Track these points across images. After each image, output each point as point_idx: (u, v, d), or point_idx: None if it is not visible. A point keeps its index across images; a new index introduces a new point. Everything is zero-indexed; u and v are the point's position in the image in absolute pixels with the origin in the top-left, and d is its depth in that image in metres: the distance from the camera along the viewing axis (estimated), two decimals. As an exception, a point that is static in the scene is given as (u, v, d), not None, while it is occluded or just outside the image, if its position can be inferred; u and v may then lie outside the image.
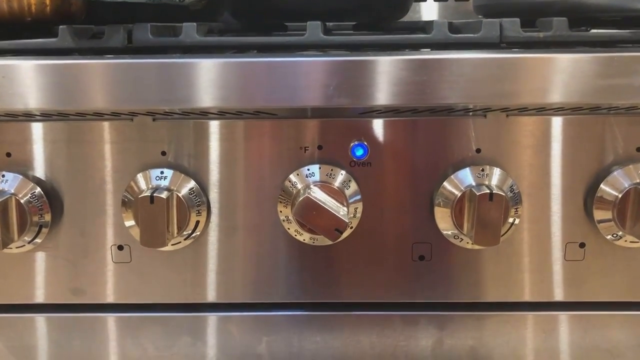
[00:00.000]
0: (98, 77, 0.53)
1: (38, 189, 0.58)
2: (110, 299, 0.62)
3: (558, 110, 0.57)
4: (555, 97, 0.53)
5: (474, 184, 0.57)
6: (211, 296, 0.62)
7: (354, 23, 0.79)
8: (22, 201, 0.57)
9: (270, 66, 0.53)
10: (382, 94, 0.53)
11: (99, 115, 0.57)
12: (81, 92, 0.53)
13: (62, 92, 0.54)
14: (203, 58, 0.53)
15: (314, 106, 0.56)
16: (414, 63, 0.53)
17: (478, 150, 0.58)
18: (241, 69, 0.53)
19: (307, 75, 0.53)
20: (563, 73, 0.53)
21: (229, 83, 0.53)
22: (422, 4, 1.08)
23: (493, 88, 0.53)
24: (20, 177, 0.58)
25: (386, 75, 0.53)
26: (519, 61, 0.54)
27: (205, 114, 0.57)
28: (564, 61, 0.53)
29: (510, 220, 0.58)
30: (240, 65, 0.53)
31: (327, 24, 0.83)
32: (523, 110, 0.57)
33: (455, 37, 0.61)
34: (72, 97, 0.54)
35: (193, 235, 0.59)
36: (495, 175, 0.58)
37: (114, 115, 0.57)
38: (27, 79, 0.53)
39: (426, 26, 0.65)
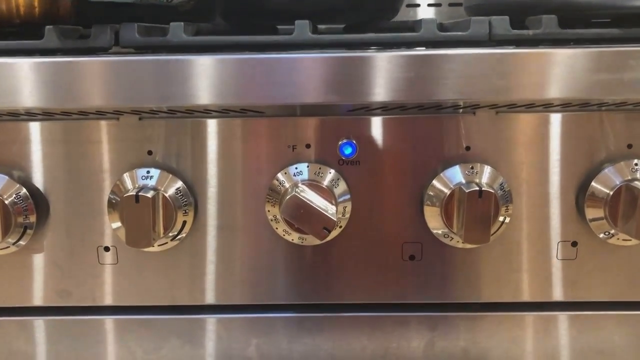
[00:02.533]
0: (93, 75, 0.53)
1: (23, 190, 0.58)
2: (96, 301, 0.61)
3: (548, 106, 0.56)
4: (545, 92, 0.53)
5: (463, 181, 0.56)
6: (199, 298, 0.61)
7: (344, 25, 0.79)
8: (6, 202, 0.57)
9: (262, 63, 0.53)
10: (381, 90, 0.53)
11: (84, 115, 0.57)
12: (78, 90, 0.53)
13: (54, 91, 0.53)
14: (198, 55, 0.53)
15: (308, 103, 0.55)
16: (406, 59, 0.53)
17: (467, 148, 0.58)
18: (236, 66, 0.53)
19: (299, 71, 0.53)
20: (552, 69, 0.53)
21: (225, 80, 0.53)
22: (418, 9, 1.08)
23: (482, 84, 0.53)
24: (6, 177, 0.58)
25: (385, 71, 0.53)
26: (507, 57, 0.53)
27: (191, 112, 0.57)
28: (553, 57, 0.53)
29: (501, 218, 0.57)
30: (235, 62, 0.53)
31: (319, 26, 0.83)
32: (512, 107, 0.56)
33: (444, 35, 0.60)
34: (68, 96, 0.53)
35: (179, 236, 0.58)
36: (485, 173, 0.57)
37: (100, 114, 0.57)
38: (15, 77, 0.53)
39: (415, 25, 0.65)
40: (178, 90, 0.53)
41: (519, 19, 0.66)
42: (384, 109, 0.57)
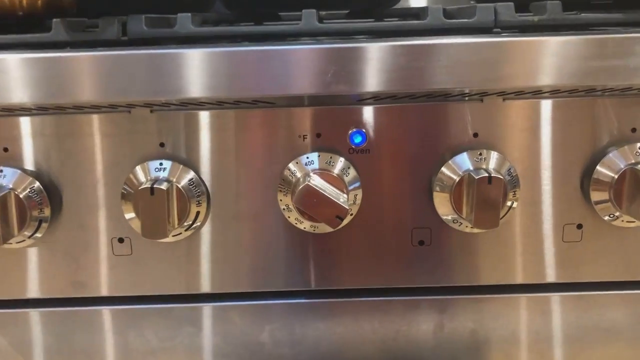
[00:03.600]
0: (88, 69, 0.53)
1: (37, 184, 0.58)
2: (111, 291, 0.62)
3: (554, 93, 0.57)
4: (550, 79, 0.54)
5: (472, 168, 0.57)
6: (213, 286, 0.62)
7: (346, 11, 0.79)
8: (21, 196, 0.57)
9: (261, 55, 0.53)
10: (376, 80, 0.54)
11: (96, 108, 0.57)
12: (72, 84, 0.54)
13: (54, 85, 0.54)
14: (194, 48, 0.53)
15: (306, 94, 0.56)
16: (410, 49, 0.53)
17: (475, 135, 0.58)
18: (232, 58, 0.53)
19: (299, 63, 0.53)
20: (557, 55, 0.54)
21: (219, 72, 0.53)
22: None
23: (489, 72, 0.54)
24: (19, 171, 0.58)
25: (381, 61, 0.53)
26: (514, 45, 0.54)
27: (202, 104, 0.57)
28: (558, 44, 0.54)
29: (509, 203, 0.58)
30: (230, 55, 0.53)
31: (321, 12, 0.83)
32: (519, 94, 0.57)
33: (450, 22, 0.61)
34: (64, 90, 0.54)
35: (194, 226, 0.59)
36: (493, 159, 0.58)
37: (112, 108, 0.57)
38: (20, 72, 0.53)
39: (420, 12, 0.65)
40: (175, 83, 0.53)
41: (523, 2, 0.66)
42: (392, 97, 0.57)
